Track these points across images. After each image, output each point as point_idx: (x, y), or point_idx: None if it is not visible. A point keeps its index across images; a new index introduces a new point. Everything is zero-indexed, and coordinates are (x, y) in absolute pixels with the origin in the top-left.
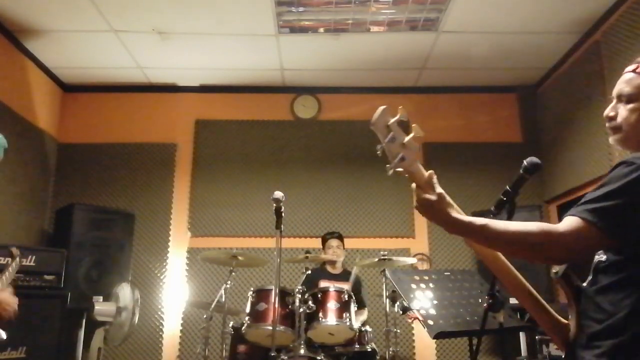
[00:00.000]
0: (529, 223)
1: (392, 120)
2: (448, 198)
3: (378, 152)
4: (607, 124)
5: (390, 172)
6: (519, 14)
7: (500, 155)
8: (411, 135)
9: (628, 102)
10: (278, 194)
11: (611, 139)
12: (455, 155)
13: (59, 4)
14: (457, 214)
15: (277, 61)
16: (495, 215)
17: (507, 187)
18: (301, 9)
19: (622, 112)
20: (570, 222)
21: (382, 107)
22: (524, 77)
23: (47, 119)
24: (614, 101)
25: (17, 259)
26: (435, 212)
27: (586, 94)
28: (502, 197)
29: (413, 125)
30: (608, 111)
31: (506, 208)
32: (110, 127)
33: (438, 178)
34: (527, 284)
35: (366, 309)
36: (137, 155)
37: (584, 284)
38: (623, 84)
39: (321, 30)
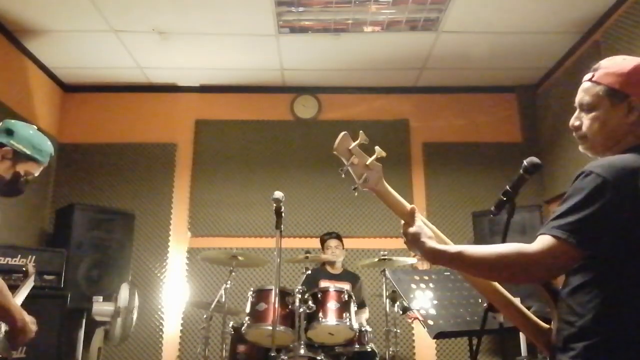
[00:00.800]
0: (502, 245)
1: (353, 144)
2: (427, 230)
3: (342, 174)
4: (574, 134)
5: (356, 192)
6: (519, 14)
7: (500, 155)
8: (374, 156)
9: (589, 111)
10: (278, 194)
11: (580, 148)
12: (455, 155)
13: (59, 4)
14: (435, 243)
15: (277, 61)
16: (496, 215)
17: (507, 187)
18: (301, 9)
19: (585, 121)
20: (542, 241)
21: (342, 133)
22: (523, 77)
23: (47, 119)
24: (577, 110)
25: (32, 276)
26: (415, 243)
27: None
28: (502, 197)
29: (375, 147)
30: (573, 121)
31: (506, 208)
32: (110, 127)
33: (438, 178)
34: (506, 294)
35: (367, 307)
36: (137, 155)
37: (560, 287)
38: (582, 93)
39: (321, 30)
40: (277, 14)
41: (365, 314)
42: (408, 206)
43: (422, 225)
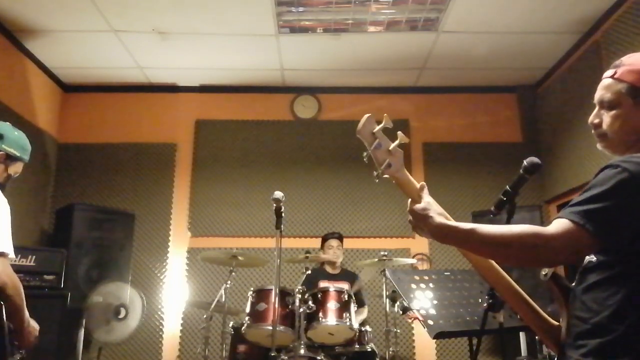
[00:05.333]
0: (518, 225)
1: (378, 127)
2: (437, 207)
3: (365, 159)
4: (593, 131)
5: (377, 179)
6: (519, 14)
7: (500, 155)
8: (397, 142)
9: (610, 108)
10: (278, 194)
11: (599, 146)
12: (455, 155)
13: (59, 4)
14: (445, 219)
15: (277, 61)
16: (496, 215)
17: (507, 187)
18: (301, 9)
19: (606, 119)
20: (559, 224)
21: (367, 115)
22: (523, 77)
23: (47, 119)
24: (597, 108)
25: None
26: (423, 220)
27: (586, 94)
28: (502, 197)
29: (398, 132)
30: (592, 118)
31: (506, 208)
32: (110, 127)
33: (438, 178)
34: (519, 289)
35: (366, 307)
36: (137, 155)
37: (573, 284)
38: (603, 90)
39: (321, 30)
40: (277, 14)
41: (364, 315)
42: (416, 183)
43: (431, 201)
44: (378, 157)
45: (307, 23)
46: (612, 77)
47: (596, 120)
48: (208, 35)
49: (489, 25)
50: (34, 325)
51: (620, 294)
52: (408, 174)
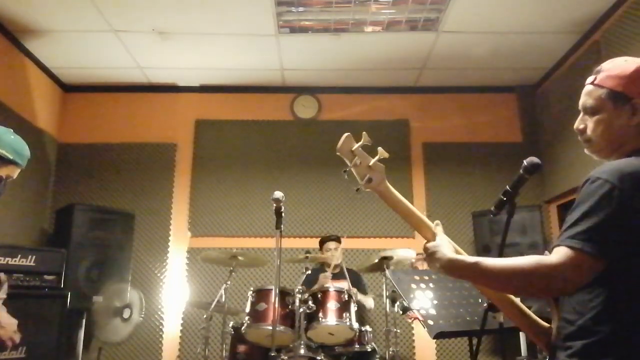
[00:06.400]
0: (521, 258)
1: (356, 145)
2: (447, 243)
3: (345, 176)
4: (579, 137)
5: (357, 192)
6: (518, 14)
7: (500, 155)
8: (376, 157)
9: (592, 114)
10: (278, 194)
11: (586, 151)
12: (455, 155)
13: (59, 4)
14: (452, 253)
15: (277, 61)
16: (496, 215)
17: (507, 187)
18: (301, 9)
19: (590, 124)
20: (559, 253)
21: (345, 135)
22: (523, 77)
23: (47, 119)
24: (582, 113)
25: (5, 285)
26: (434, 255)
27: None
28: (502, 197)
29: (378, 148)
30: (577, 124)
31: (506, 208)
32: (110, 127)
33: (438, 178)
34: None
35: (371, 297)
36: (137, 155)
37: None
38: (585, 96)
39: (321, 30)
40: (277, 14)
41: (371, 301)
42: (416, 211)
43: (443, 238)
44: (359, 173)
45: (307, 23)
46: (592, 83)
47: (581, 126)
48: (208, 35)
49: (488, 25)
50: (7, 321)
51: (602, 297)
52: (390, 187)
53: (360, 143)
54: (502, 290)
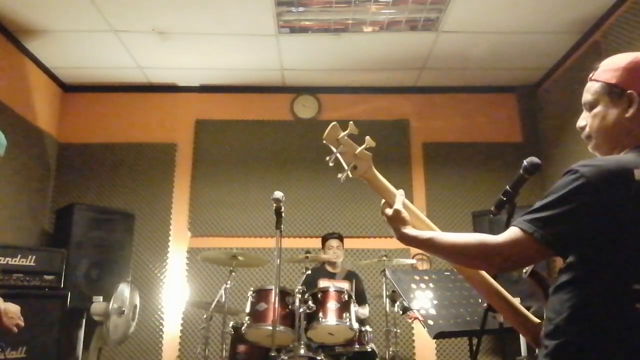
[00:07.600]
0: (470, 235)
1: (342, 134)
2: (404, 214)
3: (330, 163)
4: (582, 135)
5: (341, 180)
6: (519, 14)
7: (500, 155)
8: (363, 146)
9: (591, 109)
10: (278, 194)
11: (589, 148)
12: (455, 155)
13: (59, 4)
14: (409, 229)
15: (277, 61)
16: (496, 215)
17: (507, 187)
18: (301, 9)
19: (589, 120)
20: (509, 232)
21: (332, 124)
22: (523, 77)
23: (47, 119)
24: (584, 111)
25: None
26: (391, 225)
27: None
28: (502, 197)
29: (366, 137)
30: (579, 122)
31: (506, 208)
32: (111, 127)
33: (438, 178)
34: (496, 285)
35: (367, 305)
36: (137, 155)
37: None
38: (585, 93)
39: (321, 30)
40: (277, 14)
41: (365, 310)
42: (389, 186)
43: (399, 209)
44: (345, 161)
45: (307, 23)
46: (590, 78)
47: (582, 123)
48: (208, 35)
49: (488, 25)
50: (9, 307)
51: (576, 298)
52: (378, 174)
53: (346, 132)
54: (454, 263)
